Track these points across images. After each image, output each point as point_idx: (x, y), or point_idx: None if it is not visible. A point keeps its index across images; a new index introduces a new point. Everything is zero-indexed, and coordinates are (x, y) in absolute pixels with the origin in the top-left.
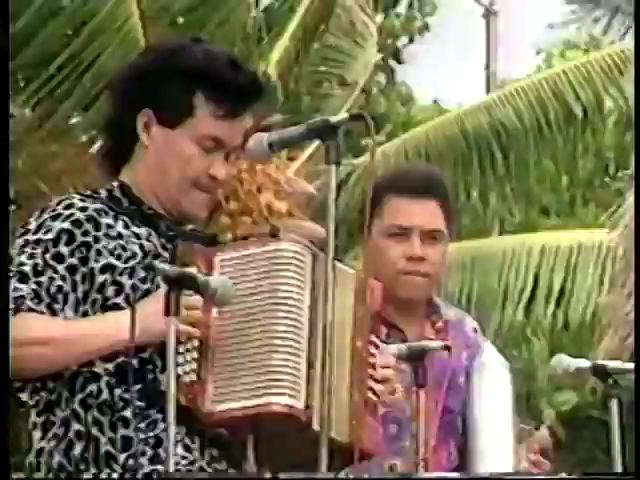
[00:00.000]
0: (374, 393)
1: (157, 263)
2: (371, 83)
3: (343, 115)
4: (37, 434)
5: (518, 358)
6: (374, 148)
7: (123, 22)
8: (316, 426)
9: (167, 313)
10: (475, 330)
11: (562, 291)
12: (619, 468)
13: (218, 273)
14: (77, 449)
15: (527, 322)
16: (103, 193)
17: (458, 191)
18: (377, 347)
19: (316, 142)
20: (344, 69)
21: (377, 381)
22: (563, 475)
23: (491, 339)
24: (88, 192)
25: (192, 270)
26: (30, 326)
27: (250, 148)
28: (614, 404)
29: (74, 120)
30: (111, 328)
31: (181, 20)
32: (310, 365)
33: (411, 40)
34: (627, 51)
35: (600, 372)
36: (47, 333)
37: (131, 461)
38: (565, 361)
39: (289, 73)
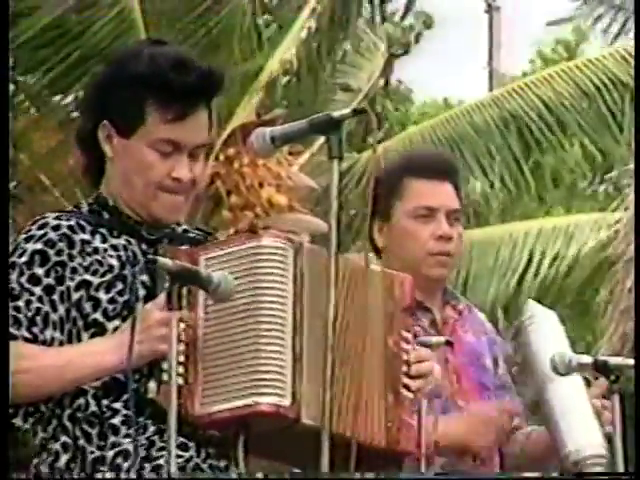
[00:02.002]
0: (409, 390)
1: (160, 258)
2: (375, 89)
3: (346, 110)
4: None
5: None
6: (376, 142)
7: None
8: (305, 420)
9: (169, 308)
10: (488, 321)
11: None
12: (621, 463)
13: None
14: (62, 460)
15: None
16: (84, 207)
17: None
18: (408, 342)
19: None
20: (348, 78)
21: (411, 377)
22: (565, 475)
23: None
24: (69, 208)
25: None
26: (13, 354)
27: (252, 143)
28: (616, 400)
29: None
30: (99, 355)
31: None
32: (296, 360)
33: (417, 41)
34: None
35: (602, 368)
36: (30, 362)
37: (119, 460)
38: (567, 357)
39: (294, 74)
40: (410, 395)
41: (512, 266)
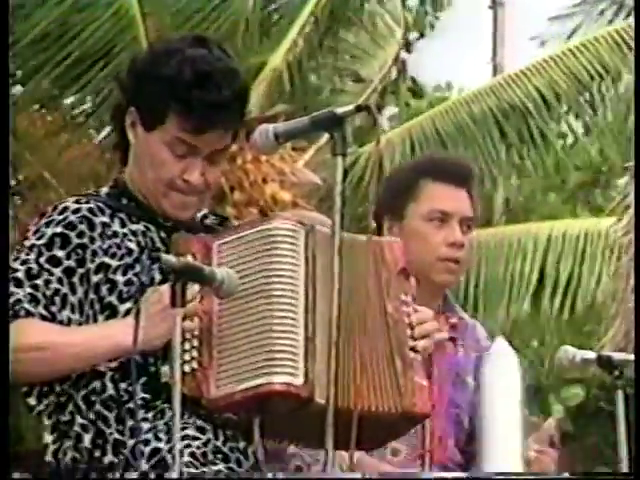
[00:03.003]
0: (416, 352)
1: (164, 255)
2: (386, 80)
3: (349, 107)
4: (48, 437)
5: (525, 350)
6: (380, 139)
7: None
8: (319, 399)
9: (173, 305)
10: (487, 338)
11: (569, 280)
12: (624, 460)
13: (216, 258)
14: (86, 440)
15: (535, 313)
16: (104, 191)
17: None
18: (408, 305)
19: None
20: (360, 65)
21: (416, 339)
22: (565, 475)
23: (498, 331)
24: (89, 191)
25: (187, 258)
26: (28, 332)
27: (256, 140)
28: (619, 395)
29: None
30: (114, 336)
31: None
32: (308, 340)
33: (421, 35)
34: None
35: (606, 363)
36: (46, 338)
37: (140, 447)
38: (571, 353)
39: (299, 65)
40: (418, 357)
41: (524, 283)
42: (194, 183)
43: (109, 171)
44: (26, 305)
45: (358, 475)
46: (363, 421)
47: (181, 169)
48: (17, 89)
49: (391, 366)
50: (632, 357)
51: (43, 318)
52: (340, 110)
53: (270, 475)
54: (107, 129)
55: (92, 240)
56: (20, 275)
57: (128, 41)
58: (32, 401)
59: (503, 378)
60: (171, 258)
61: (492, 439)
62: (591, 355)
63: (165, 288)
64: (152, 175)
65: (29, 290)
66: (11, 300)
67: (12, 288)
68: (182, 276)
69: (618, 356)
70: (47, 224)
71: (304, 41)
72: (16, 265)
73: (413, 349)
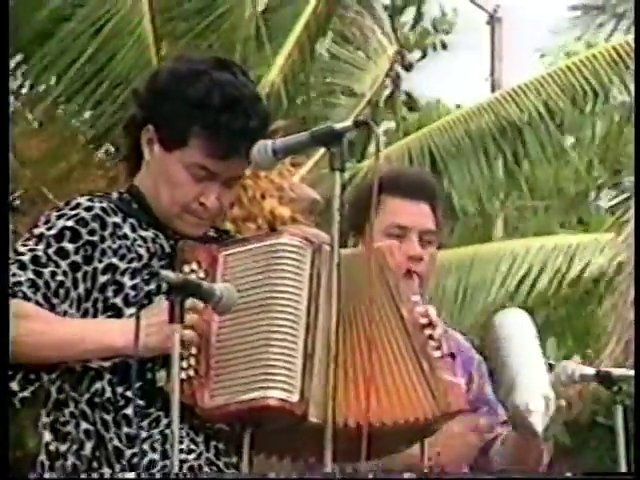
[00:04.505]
0: (439, 349)
1: (162, 270)
2: (379, 94)
3: (347, 122)
4: (47, 435)
5: None
6: (379, 155)
7: (137, 24)
8: (312, 418)
9: (171, 320)
10: (465, 341)
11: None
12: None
13: (221, 269)
14: (87, 448)
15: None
16: (114, 195)
17: (462, 193)
18: (419, 305)
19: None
20: (353, 80)
21: (436, 337)
22: (565, 475)
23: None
24: (99, 193)
25: (192, 266)
26: (19, 313)
27: (254, 155)
28: (619, 411)
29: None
30: (106, 334)
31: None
32: (307, 358)
33: (424, 56)
34: (632, 44)
35: (605, 379)
36: (36, 324)
37: (136, 459)
38: (570, 368)
39: (293, 80)
40: (440, 353)
41: (509, 279)
42: (209, 207)
43: (110, 188)
44: (24, 289)
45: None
46: (377, 433)
47: (198, 192)
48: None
49: (420, 370)
50: (632, 373)
51: (39, 306)
52: (339, 126)
53: (272, 475)
54: (107, 145)
55: (102, 239)
56: (25, 259)
57: (142, 65)
58: (15, 386)
59: (522, 327)
60: (169, 274)
61: (524, 379)
62: (590, 371)
63: (165, 304)
64: (167, 195)
65: (31, 275)
66: (11, 281)
67: (14, 269)
68: (180, 292)
69: (617, 372)
70: (59, 217)
71: (298, 54)
72: (23, 249)
73: (436, 348)
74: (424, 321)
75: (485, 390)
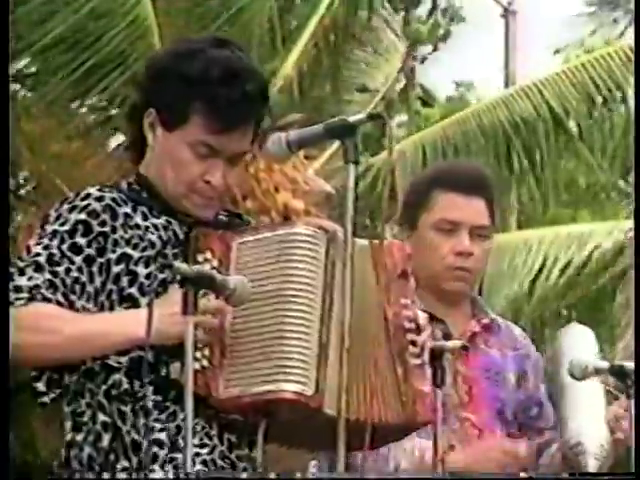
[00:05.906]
0: (418, 357)
1: (175, 262)
2: (392, 90)
3: (361, 115)
4: (68, 424)
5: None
6: (392, 147)
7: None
8: (327, 410)
9: (185, 312)
10: (525, 337)
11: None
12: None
13: (235, 257)
14: (105, 440)
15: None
16: (123, 185)
17: None
18: (408, 308)
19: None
20: (366, 78)
21: (418, 344)
22: (566, 475)
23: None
24: (108, 184)
25: (206, 255)
26: (42, 315)
27: (268, 148)
28: (632, 405)
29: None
30: (127, 325)
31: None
32: (322, 349)
33: (435, 49)
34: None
35: (618, 372)
36: (59, 323)
37: (153, 450)
38: (583, 362)
39: (308, 77)
40: (418, 361)
41: (525, 270)
42: (215, 184)
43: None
44: (44, 291)
45: (357, 475)
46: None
47: (202, 170)
48: (30, 94)
49: (393, 374)
50: None
51: (60, 305)
52: (352, 118)
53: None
54: (119, 137)
55: (114, 230)
56: (41, 260)
57: (143, 50)
58: (41, 387)
59: (583, 347)
60: (183, 266)
61: (577, 405)
62: (603, 364)
63: (178, 296)
64: (172, 176)
65: (48, 276)
66: (30, 284)
67: (31, 272)
68: (194, 284)
69: (631, 365)
70: (70, 210)
71: (313, 52)
72: (37, 249)
73: (415, 355)
74: (409, 325)
75: (540, 390)
